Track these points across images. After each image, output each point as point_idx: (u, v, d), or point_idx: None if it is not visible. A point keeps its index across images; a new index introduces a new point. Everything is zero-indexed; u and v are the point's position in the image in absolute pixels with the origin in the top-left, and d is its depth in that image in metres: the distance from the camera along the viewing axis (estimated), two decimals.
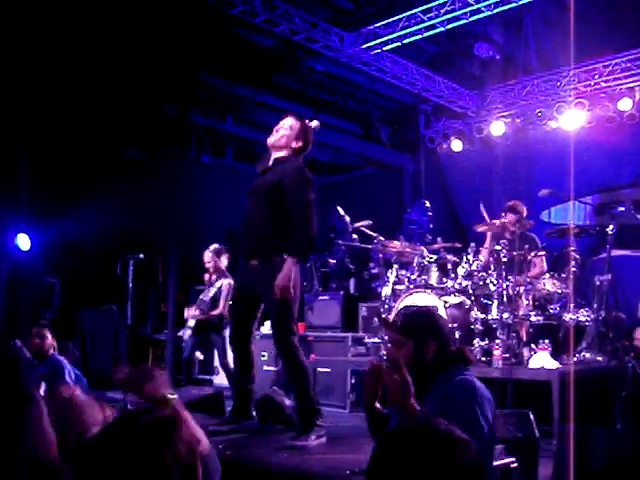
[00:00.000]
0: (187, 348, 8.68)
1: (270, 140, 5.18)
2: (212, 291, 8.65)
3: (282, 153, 5.15)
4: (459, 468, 1.55)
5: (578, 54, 9.45)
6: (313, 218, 4.91)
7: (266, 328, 7.91)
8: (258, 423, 5.40)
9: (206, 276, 8.90)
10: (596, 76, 10.54)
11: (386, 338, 6.99)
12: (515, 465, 3.34)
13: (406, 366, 3.09)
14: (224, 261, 8.80)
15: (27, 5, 7.86)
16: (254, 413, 5.32)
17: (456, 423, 1.68)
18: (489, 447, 2.92)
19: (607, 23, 9.05)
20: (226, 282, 8.59)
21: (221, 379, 9.66)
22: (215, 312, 8.60)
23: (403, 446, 1.60)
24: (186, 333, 8.69)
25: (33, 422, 1.49)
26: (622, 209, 6.76)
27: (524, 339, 6.42)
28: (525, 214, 7.51)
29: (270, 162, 5.20)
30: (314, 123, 5.21)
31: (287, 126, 5.16)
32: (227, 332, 8.92)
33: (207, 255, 8.74)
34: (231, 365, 8.70)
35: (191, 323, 8.65)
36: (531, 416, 4.47)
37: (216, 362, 10.05)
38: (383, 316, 3.43)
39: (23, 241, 10.69)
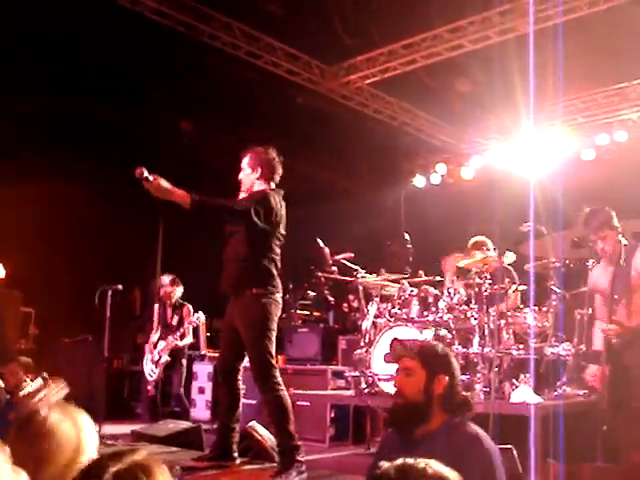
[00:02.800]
0: (159, 382, 8.59)
1: (242, 190, 5.18)
2: (175, 319, 8.59)
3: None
4: None
5: (557, 89, 9.58)
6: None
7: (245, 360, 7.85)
8: (237, 458, 5.30)
9: (155, 307, 8.78)
10: (574, 111, 10.68)
11: (371, 372, 6.95)
12: None
13: (412, 397, 3.05)
14: (178, 292, 8.76)
15: None
16: (236, 454, 5.16)
17: None
18: None
19: (585, 59, 9.16)
20: (185, 310, 8.57)
21: (198, 411, 9.54)
22: (185, 342, 8.54)
23: None
24: (159, 369, 8.56)
25: None
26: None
27: (505, 373, 6.40)
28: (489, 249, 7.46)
29: None
30: None
31: (242, 168, 5.19)
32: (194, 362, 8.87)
33: (164, 282, 8.69)
34: (192, 396, 8.65)
35: (164, 359, 8.53)
36: (514, 451, 4.44)
37: (193, 394, 9.94)
38: (400, 339, 3.33)
39: None
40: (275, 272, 4.99)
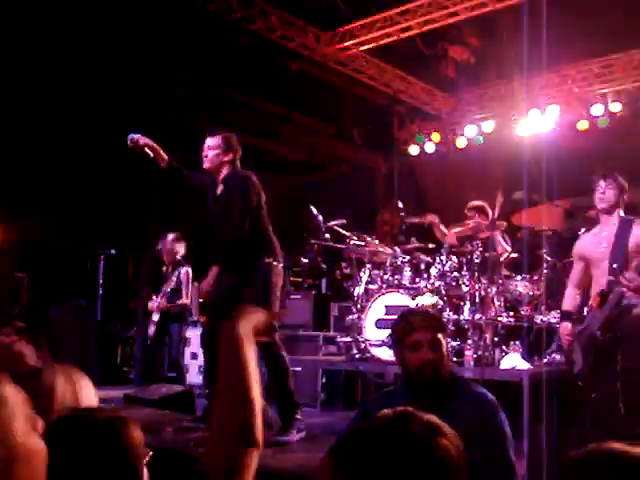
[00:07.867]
0: (152, 345, 8.54)
1: (206, 166, 5.29)
2: (173, 281, 8.49)
3: (222, 172, 5.28)
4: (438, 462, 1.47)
5: (552, 59, 9.53)
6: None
7: None
8: None
9: (163, 268, 8.75)
10: (569, 81, 10.65)
11: (362, 338, 6.98)
12: None
13: (445, 368, 2.96)
14: (181, 249, 8.66)
15: None
16: None
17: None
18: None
19: (581, 29, 9.13)
20: (184, 270, 8.48)
21: (191, 377, 9.60)
22: (179, 302, 8.45)
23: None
24: (151, 329, 8.51)
25: None
26: (593, 212, 6.82)
27: (495, 340, 6.45)
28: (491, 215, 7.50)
29: (218, 188, 5.31)
30: None
31: (212, 146, 5.26)
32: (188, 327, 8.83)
33: (168, 239, 8.60)
34: (184, 362, 8.62)
35: (155, 317, 8.46)
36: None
37: (186, 360, 9.98)
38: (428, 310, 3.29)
39: None
40: (275, 242, 5.21)
